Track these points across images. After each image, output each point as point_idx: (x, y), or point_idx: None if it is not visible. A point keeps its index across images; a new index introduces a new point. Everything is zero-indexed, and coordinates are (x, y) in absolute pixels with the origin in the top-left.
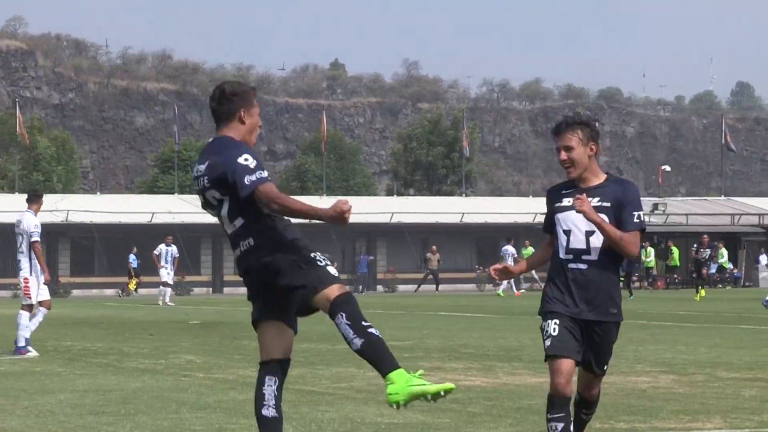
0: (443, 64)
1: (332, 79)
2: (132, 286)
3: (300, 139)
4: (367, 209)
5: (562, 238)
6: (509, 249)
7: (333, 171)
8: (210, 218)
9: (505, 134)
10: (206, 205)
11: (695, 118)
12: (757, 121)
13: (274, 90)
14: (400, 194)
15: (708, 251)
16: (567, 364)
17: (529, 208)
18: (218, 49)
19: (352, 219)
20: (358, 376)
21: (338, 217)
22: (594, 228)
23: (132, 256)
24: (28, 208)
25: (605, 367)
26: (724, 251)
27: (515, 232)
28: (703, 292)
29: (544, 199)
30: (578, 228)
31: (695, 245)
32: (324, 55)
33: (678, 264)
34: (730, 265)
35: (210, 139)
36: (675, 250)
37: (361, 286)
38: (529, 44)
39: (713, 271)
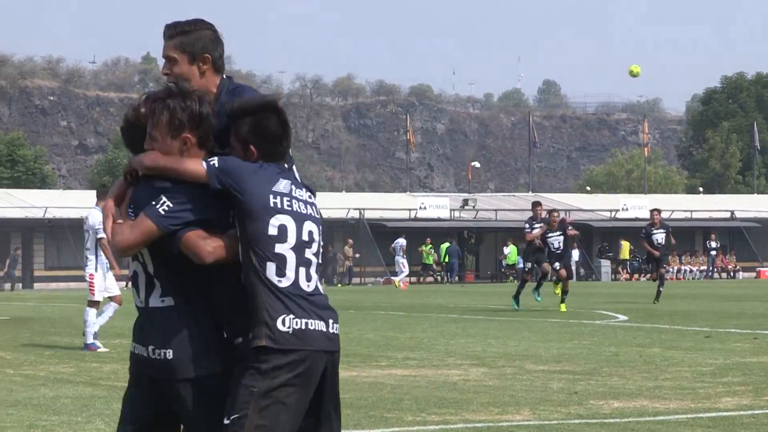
0: (256, 59)
1: (144, 73)
2: None
3: (112, 133)
4: None
5: None
6: (400, 241)
7: None
8: (19, 213)
9: (318, 130)
10: None
11: (503, 115)
12: (563, 118)
13: (84, 83)
14: None
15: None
16: None
17: (342, 204)
18: (28, 41)
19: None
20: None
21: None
22: None
23: None
24: (96, 204)
25: None
26: (513, 247)
27: (330, 228)
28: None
29: (355, 195)
30: None
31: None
32: (136, 49)
33: (431, 262)
34: (520, 262)
35: None
36: (424, 248)
37: None
38: (341, 40)
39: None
